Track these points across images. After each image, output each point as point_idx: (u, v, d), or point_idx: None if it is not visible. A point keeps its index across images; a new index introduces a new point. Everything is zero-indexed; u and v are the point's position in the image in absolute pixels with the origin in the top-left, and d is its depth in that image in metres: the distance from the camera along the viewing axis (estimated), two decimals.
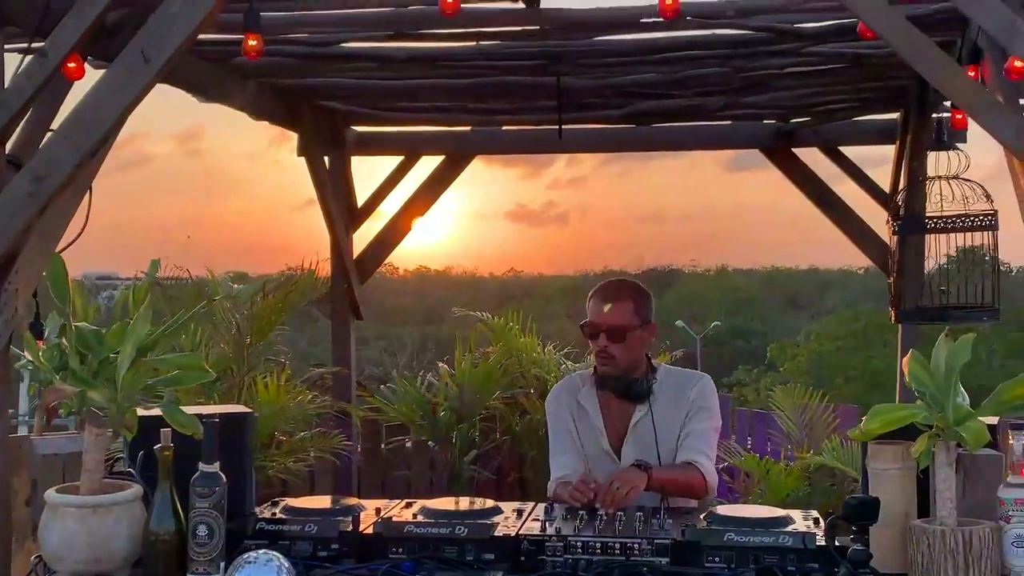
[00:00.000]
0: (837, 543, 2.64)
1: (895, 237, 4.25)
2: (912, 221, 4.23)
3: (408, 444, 5.82)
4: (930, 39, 2.50)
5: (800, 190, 5.18)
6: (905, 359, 2.63)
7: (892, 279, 4.26)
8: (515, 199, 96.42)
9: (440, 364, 5.93)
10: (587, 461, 3.48)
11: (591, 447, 3.51)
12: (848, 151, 5.17)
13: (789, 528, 2.79)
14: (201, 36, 3.32)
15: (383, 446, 5.85)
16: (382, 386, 5.88)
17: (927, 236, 4.25)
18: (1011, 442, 2.52)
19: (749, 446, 5.69)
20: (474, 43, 3.73)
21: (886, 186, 4.97)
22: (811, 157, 5.23)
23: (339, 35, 3.65)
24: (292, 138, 5.11)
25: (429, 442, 5.63)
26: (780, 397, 5.38)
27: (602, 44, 3.74)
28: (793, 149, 5.22)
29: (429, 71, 4.03)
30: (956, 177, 3.94)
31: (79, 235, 3.06)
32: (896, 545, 2.60)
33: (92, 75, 2.90)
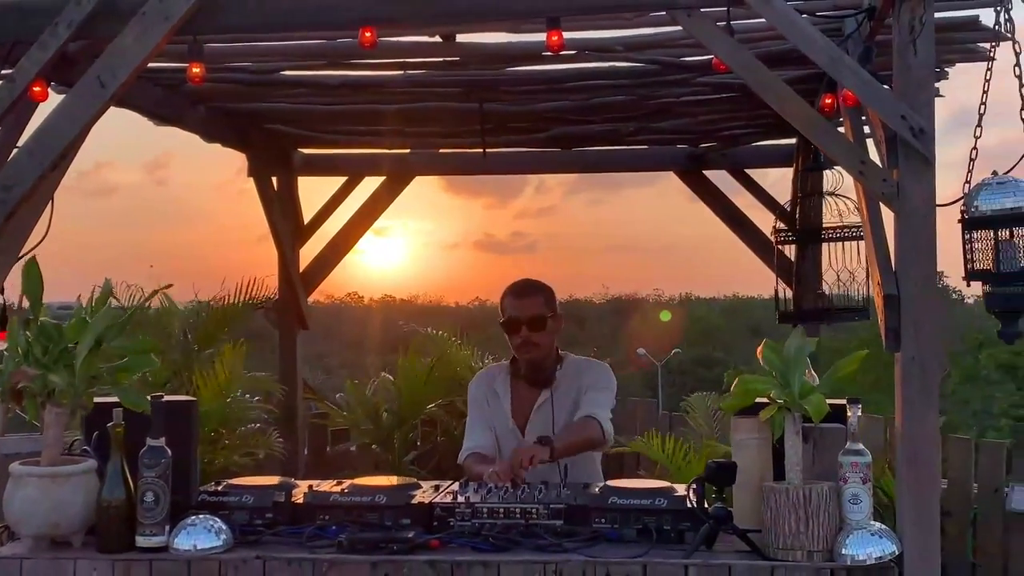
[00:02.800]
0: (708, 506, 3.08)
1: (778, 248, 4.72)
2: (802, 233, 4.73)
3: (353, 448, 6.18)
4: (772, 72, 2.94)
5: (710, 209, 5.63)
6: (760, 347, 3.07)
7: (776, 287, 4.72)
8: (483, 229, 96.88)
9: (383, 374, 6.31)
10: (497, 438, 3.94)
11: (500, 426, 3.96)
12: (755, 173, 5.64)
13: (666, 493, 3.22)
14: (155, 64, 3.73)
15: (328, 449, 6.20)
16: (338, 395, 6.24)
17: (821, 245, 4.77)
18: (849, 414, 2.96)
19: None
20: (401, 72, 4.14)
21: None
22: (721, 178, 5.70)
23: (278, 63, 4.05)
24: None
25: (372, 445, 5.99)
26: (693, 402, 5.83)
27: (516, 74, 4.17)
28: (704, 171, 5.68)
29: (362, 97, 4.43)
30: (833, 193, 4.42)
31: (42, 240, 3.41)
32: (755, 505, 3.01)
33: (55, 97, 3.28)
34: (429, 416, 6.09)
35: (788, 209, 4.86)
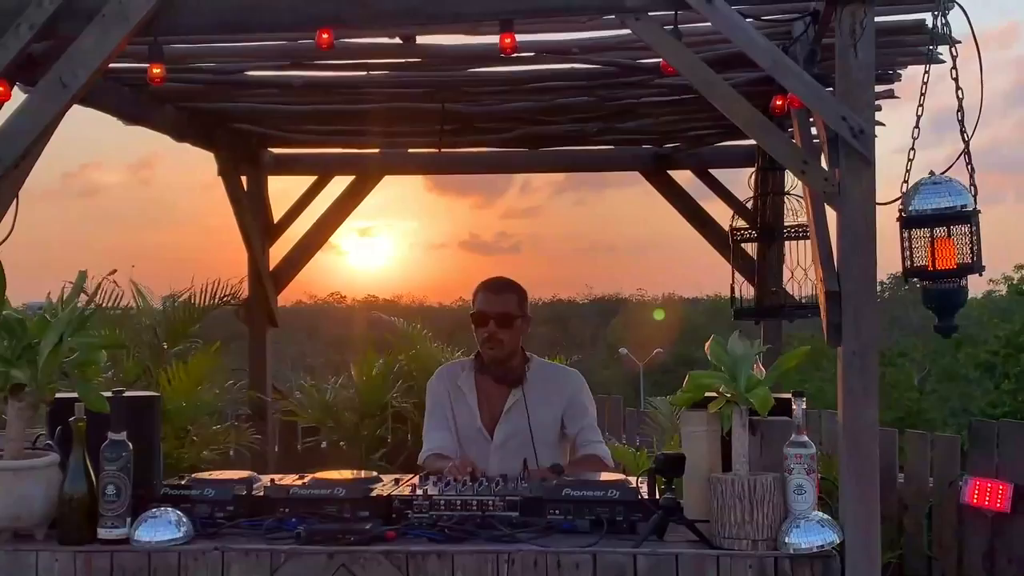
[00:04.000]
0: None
1: (737, 246, 4.83)
2: (761, 231, 4.83)
3: (323, 445, 6.24)
4: (716, 73, 3.03)
5: (675, 208, 5.72)
6: (708, 342, 3.15)
7: (732, 284, 4.82)
8: (469, 229, 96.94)
9: (351, 369, 6.36)
10: (459, 439, 3.94)
11: (465, 426, 3.95)
12: (718, 173, 5.73)
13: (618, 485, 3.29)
14: (121, 64, 3.78)
15: (298, 447, 6.26)
16: (297, 393, 6.29)
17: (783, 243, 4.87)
18: (794, 407, 3.05)
19: (624, 441, 6.24)
20: (364, 73, 4.21)
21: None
22: (684, 177, 5.79)
23: (241, 64, 4.11)
24: None
25: (340, 442, 6.05)
26: (657, 401, 5.93)
27: (478, 75, 4.24)
28: (669, 171, 5.77)
29: (327, 97, 4.50)
30: (788, 193, 4.51)
31: (6, 238, 3.45)
32: (704, 495, 3.09)
33: (18, 97, 3.34)
34: (398, 412, 6.15)
35: (749, 208, 4.95)
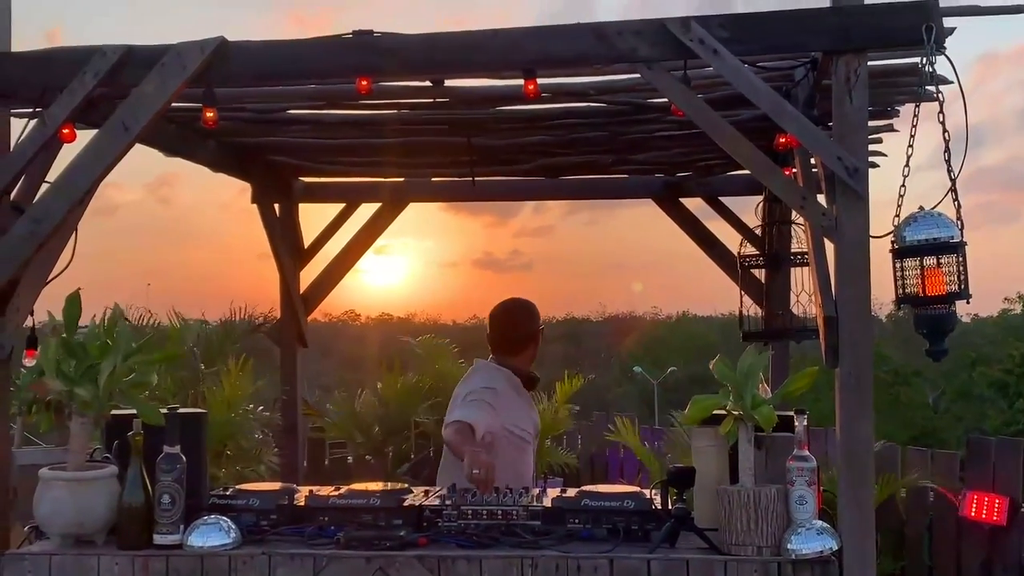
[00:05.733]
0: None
1: (745, 271, 5.09)
2: (768, 258, 5.10)
3: (349, 459, 6.51)
4: (724, 111, 3.30)
5: (684, 232, 5.99)
6: (713, 361, 3.41)
7: (740, 307, 5.08)
8: (482, 247, 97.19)
9: (366, 390, 6.66)
10: (512, 432, 4.20)
11: (530, 427, 4.34)
12: (727, 200, 5.99)
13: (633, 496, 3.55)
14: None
15: (326, 461, 6.54)
16: (329, 405, 6.58)
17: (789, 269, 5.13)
18: (796, 424, 3.30)
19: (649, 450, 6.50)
20: (396, 111, 4.50)
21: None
22: (695, 204, 6.06)
23: (282, 104, 4.41)
24: None
25: (367, 456, 6.33)
26: (678, 415, 6.19)
27: (500, 113, 4.53)
28: (681, 199, 6.05)
29: (358, 132, 4.79)
30: (792, 223, 4.78)
31: (67, 267, 3.74)
32: (713, 506, 3.34)
33: (83, 137, 3.62)
34: (422, 429, 6.42)
35: (758, 235, 5.21)
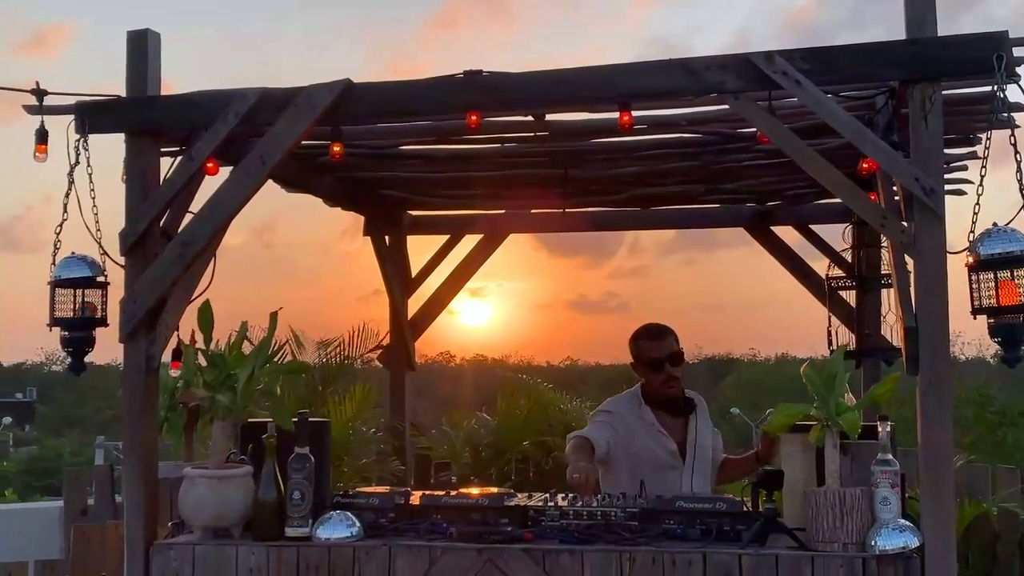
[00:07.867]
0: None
1: (834, 294, 5.28)
2: (858, 279, 5.29)
3: (453, 479, 6.83)
4: (810, 139, 3.54)
5: (778, 261, 6.19)
6: (803, 367, 3.63)
7: (828, 329, 5.27)
8: (576, 289, 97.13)
9: (479, 413, 6.99)
10: (643, 467, 4.38)
11: (653, 455, 4.49)
12: (818, 227, 6.18)
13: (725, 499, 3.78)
14: None
15: (431, 480, 6.87)
16: (433, 430, 6.93)
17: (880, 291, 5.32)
18: (880, 429, 3.50)
19: None
20: (498, 145, 4.85)
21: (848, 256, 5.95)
22: (787, 233, 6.26)
23: (395, 140, 4.80)
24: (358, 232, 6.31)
25: (472, 476, 6.64)
26: None
27: (596, 145, 4.84)
28: (772, 227, 6.25)
29: (464, 166, 5.16)
30: (881, 246, 4.97)
31: (208, 286, 4.15)
32: (801, 507, 3.56)
33: (223, 171, 4.04)
34: (523, 453, 6.72)
35: (847, 259, 5.40)
